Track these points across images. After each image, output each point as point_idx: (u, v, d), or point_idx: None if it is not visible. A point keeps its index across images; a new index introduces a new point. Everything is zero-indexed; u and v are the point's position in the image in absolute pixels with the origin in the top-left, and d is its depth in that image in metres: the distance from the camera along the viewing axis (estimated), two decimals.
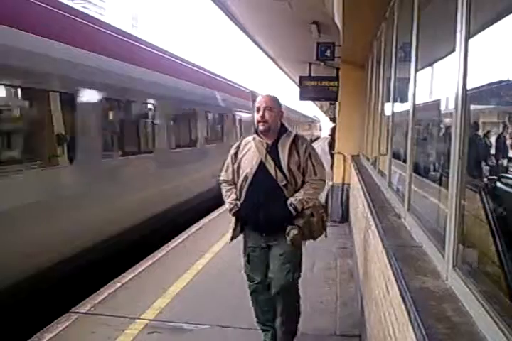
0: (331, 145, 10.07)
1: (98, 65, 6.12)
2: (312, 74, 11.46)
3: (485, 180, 2.02)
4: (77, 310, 4.45)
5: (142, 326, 4.15)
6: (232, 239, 3.57)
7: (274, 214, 3.33)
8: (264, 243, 3.47)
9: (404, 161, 3.43)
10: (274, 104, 3.47)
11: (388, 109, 4.84)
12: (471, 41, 1.91)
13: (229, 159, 3.60)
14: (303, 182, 3.42)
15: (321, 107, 42.83)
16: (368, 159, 6.97)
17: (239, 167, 3.49)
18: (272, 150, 3.41)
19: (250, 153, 3.47)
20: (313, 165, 3.43)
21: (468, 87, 1.90)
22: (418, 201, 3.00)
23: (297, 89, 12.60)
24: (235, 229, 3.55)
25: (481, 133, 2.05)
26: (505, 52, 1.71)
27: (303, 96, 11.34)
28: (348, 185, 8.56)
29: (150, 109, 7.93)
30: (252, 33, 10.69)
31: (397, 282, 2.09)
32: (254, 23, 9.63)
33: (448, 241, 1.95)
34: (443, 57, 2.69)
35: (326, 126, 62.05)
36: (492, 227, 1.70)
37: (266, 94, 3.59)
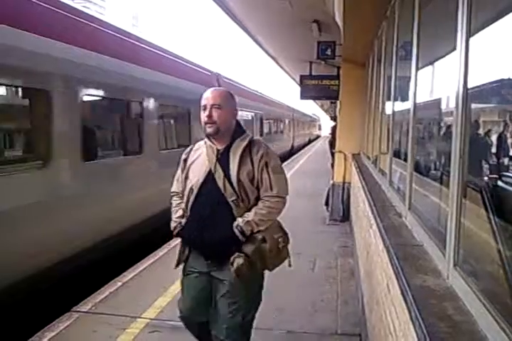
0: (332, 144, 10.08)
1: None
2: (313, 73, 11.47)
3: (486, 178, 2.02)
4: (78, 309, 4.45)
5: (143, 325, 4.15)
6: (178, 264, 2.96)
7: (219, 238, 2.72)
8: (207, 269, 2.85)
9: (405, 160, 3.42)
10: (223, 101, 2.80)
11: (389, 107, 4.84)
12: (472, 40, 1.91)
13: (180, 166, 3.03)
14: (258, 199, 2.81)
15: (321, 106, 42.85)
16: (368, 158, 6.97)
17: (187, 177, 2.91)
18: (223, 158, 2.79)
19: (199, 160, 2.88)
20: (270, 178, 2.77)
21: (469, 85, 1.90)
22: (419, 200, 3.00)
23: (297, 88, 12.64)
24: (182, 252, 2.95)
25: (481, 131, 2.05)
26: (506, 50, 1.71)
27: (304, 95, 11.34)
28: (349, 183, 8.57)
29: None
30: (252, 33, 10.70)
31: (398, 281, 2.09)
32: (254, 22, 9.63)
33: (449, 240, 1.95)
34: (444, 56, 2.69)
35: (325, 124, 61.46)
36: (493, 226, 1.71)
37: (213, 88, 2.91)
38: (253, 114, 17.36)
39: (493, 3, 1.97)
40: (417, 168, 3.16)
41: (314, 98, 14.02)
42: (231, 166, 2.75)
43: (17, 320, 4.24)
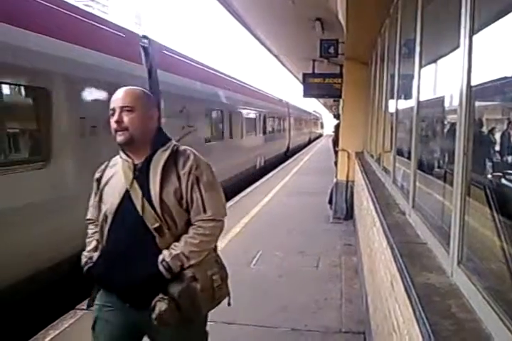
0: (335, 142, 10.12)
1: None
2: (316, 71, 11.47)
3: (490, 176, 2.02)
4: (82, 307, 4.46)
5: None
6: (90, 303, 2.37)
7: (140, 277, 2.15)
8: (127, 312, 2.25)
9: (409, 158, 3.42)
10: (136, 102, 2.25)
11: (392, 105, 4.83)
12: (475, 37, 1.90)
13: (93, 188, 2.44)
14: (189, 224, 2.25)
15: (324, 104, 42.84)
16: (372, 156, 6.97)
17: (100, 200, 2.34)
18: (142, 174, 2.23)
19: (115, 179, 2.32)
20: (202, 197, 2.22)
21: (473, 83, 1.90)
22: (423, 198, 3.00)
23: (298, 86, 12.64)
24: (96, 290, 2.36)
25: (485, 129, 2.05)
26: (510, 48, 1.71)
27: (307, 93, 11.34)
28: (353, 182, 8.57)
29: None
30: (255, 31, 10.69)
31: (402, 278, 2.09)
32: (257, 20, 9.62)
33: (453, 237, 1.95)
34: (447, 54, 2.68)
35: (328, 122, 60.80)
36: (497, 224, 1.71)
37: (124, 88, 2.31)
38: (224, 107, 12.91)
39: (496, 0, 1.97)
40: (420, 165, 3.16)
41: (317, 96, 14.00)
42: (151, 185, 2.20)
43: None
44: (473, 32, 1.90)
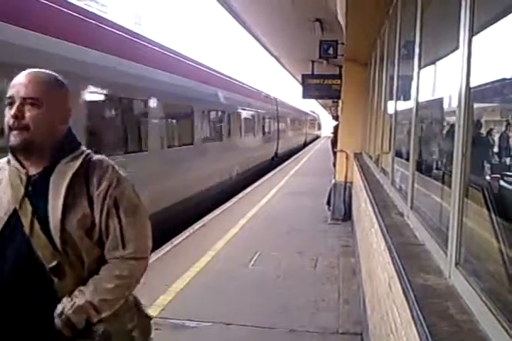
0: (334, 143, 10.14)
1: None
2: (315, 72, 11.50)
3: (488, 178, 2.02)
4: None
5: None
6: None
7: (28, 334, 1.58)
8: None
9: (407, 159, 3.42)
10: (47, 93, 1.63)
11: (391, 107, 4.84)
12: (474, 38, 1.90)
13: None
14: (101, 262, 1.66)
15: (324, 105, 42.85)
16: (370, 157, 6.97)
17: None
18: (38, 191, 1.62)
19: None
20: (121, 226, 1.64)
21: (472, 84, 1.90)
22: (421, 199, 3.00)
23: (296, 86, 12.64)
24: None
25: (483, 131, 2.05)
26: (509, 49, 1.71)
27: (306, 95, 11.36)
28: (351, 183, 8.57)
29: None
30: (256, 33, 10.71)
31: (399, 280, 2.09)
32: (256, 21, 9.63)
33: (451, 239, 1.95)
34: (446, 55, 2.68)
35: (326, 123, 59.93)
36: (494, 225, 1.71)
37: (32, 71, 1.66)
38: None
39: (495, 2, 1.97)
40: (419, 167, 3.16)
41: (316, 97, 14.05)
42: (50, 207, 1.60)
43: None
44: (472, 33, 1.90)
